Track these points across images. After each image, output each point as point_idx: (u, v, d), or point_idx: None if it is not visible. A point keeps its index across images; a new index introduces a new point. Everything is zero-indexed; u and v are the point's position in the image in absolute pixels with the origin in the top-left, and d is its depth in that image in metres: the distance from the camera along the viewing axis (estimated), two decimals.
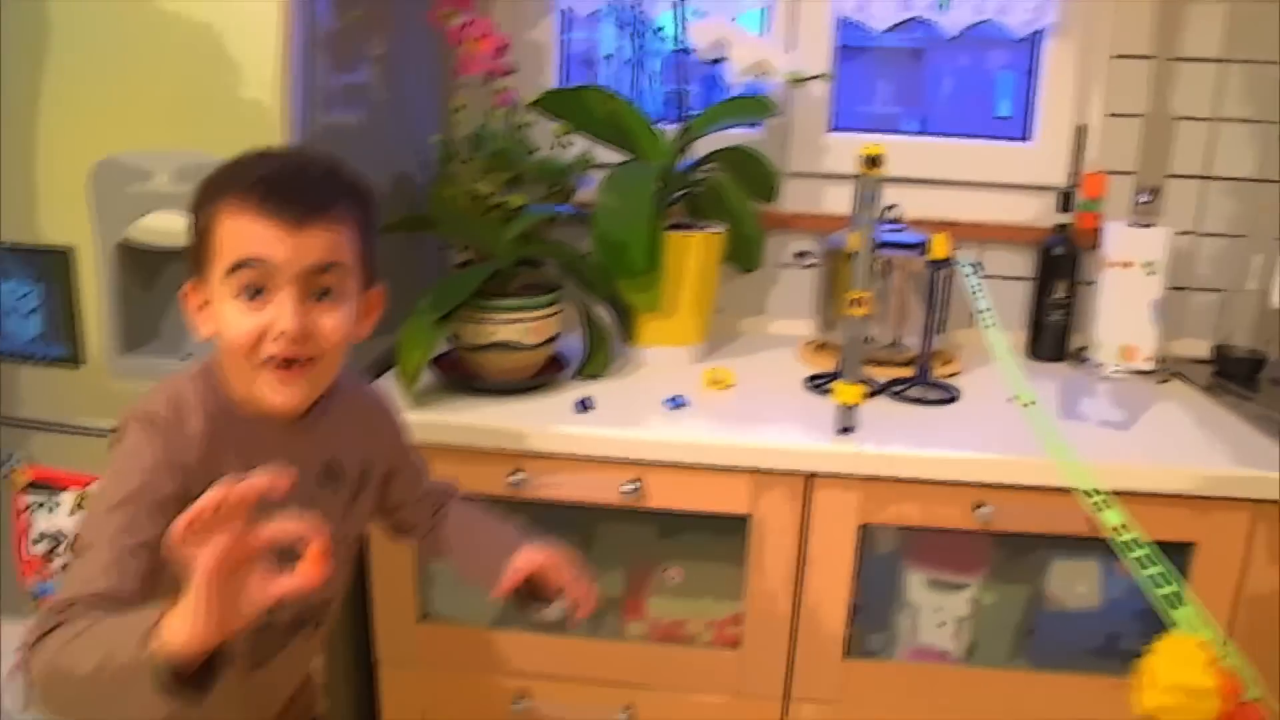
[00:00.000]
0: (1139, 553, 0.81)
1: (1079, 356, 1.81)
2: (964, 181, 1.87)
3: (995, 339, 1.21)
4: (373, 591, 1.52)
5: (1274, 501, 1.34)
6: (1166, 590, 0.78)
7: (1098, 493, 0.89)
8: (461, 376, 1.53)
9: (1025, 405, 1.10)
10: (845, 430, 1.39)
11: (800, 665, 1.46)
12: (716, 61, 1.63)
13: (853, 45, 1.97)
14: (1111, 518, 0.85)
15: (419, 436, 1.40)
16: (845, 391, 1.38)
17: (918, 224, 1.76)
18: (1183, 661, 0.77)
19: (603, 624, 1.56)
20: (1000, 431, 1.44)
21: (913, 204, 1.84)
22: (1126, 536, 0.83)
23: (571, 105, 1.58)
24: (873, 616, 1.52)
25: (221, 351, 0.96)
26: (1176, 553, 1.39)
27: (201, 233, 0.93)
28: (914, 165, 1.85)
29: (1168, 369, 1.77)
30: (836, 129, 1.89)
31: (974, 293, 1.35)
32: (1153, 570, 0.79)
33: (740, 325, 1.96)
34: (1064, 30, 1.79)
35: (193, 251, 0.95)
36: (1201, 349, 1.85)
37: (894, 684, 1.49)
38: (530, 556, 1.05)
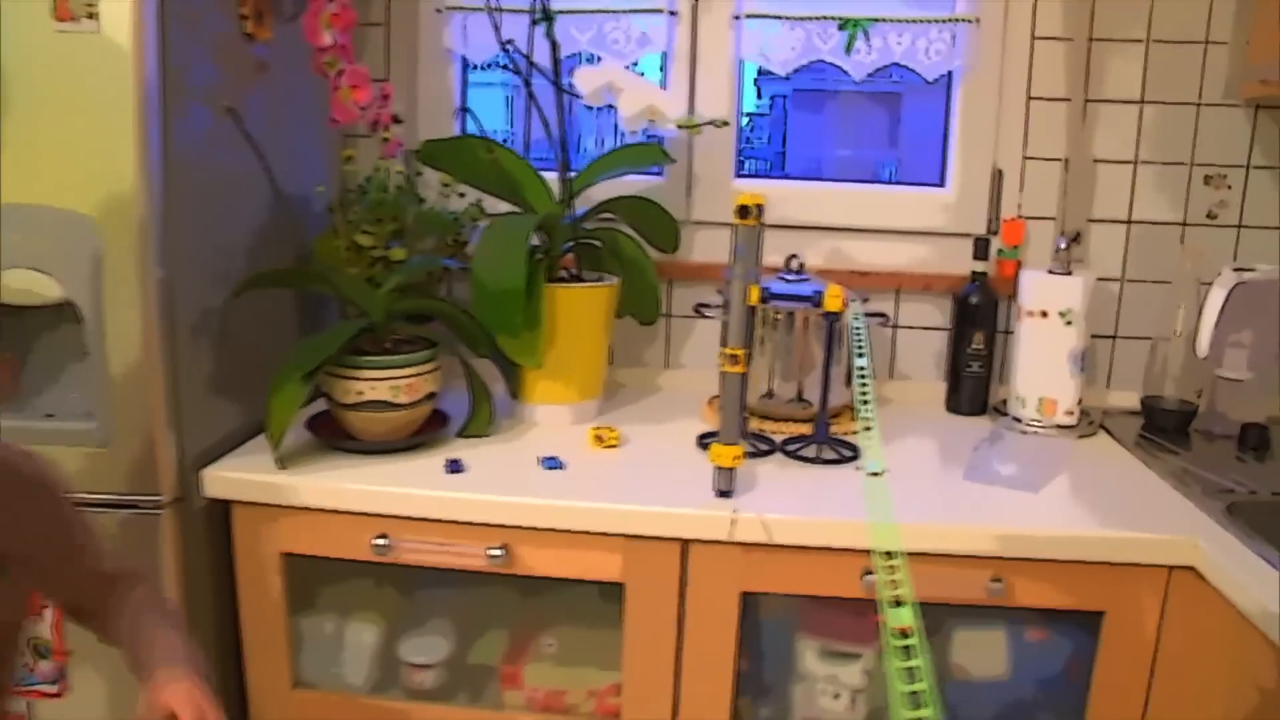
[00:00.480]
0: (907, 663, 0.73)
1: (1000, 410, 1.74)
2: (880, 229, 1.80)
3: (861, 398, 1.14)
4: (245, 658, 1.45)
5: (1188, 567, 1.26)
6: (913, 688, 0.70)
7: (897, 588, 0.81)
8: (336, 436, 1.47)
9: (871, 475, 1.03)
10: (723, 494, 1.33)
11: None
12: (611, 108, 1.58)
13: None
14: (902, 617, 0.77)
15: (284, 499, 1.35)
16: (720, 453, 1.31)
17: (827, 274, 1.71)
18: None
19: (481, 693, 1.49)
20: (893, 493, 1.36)
21: (830, 253, 1.79)
22: (903, 643, 0.74)
23: (452, 155, 1.53)
24: (763, 687, 1.44)
25: None
26: (1086, 621, 1.32)
27: None
28: (831, 213, 1.80)
29: (1093, 422, 1.70)
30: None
31: (857, 346, 1.28)
32: (912, 687, 0.71)
33: (659, 379, 1.89)
34: (976, 73, 1.73)
35: None
36: (1134, 400, 1.77)
37: None
38: (171, 696, 0.95)
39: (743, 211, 1.26)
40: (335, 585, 1.50)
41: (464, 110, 1.61)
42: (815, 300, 1.47)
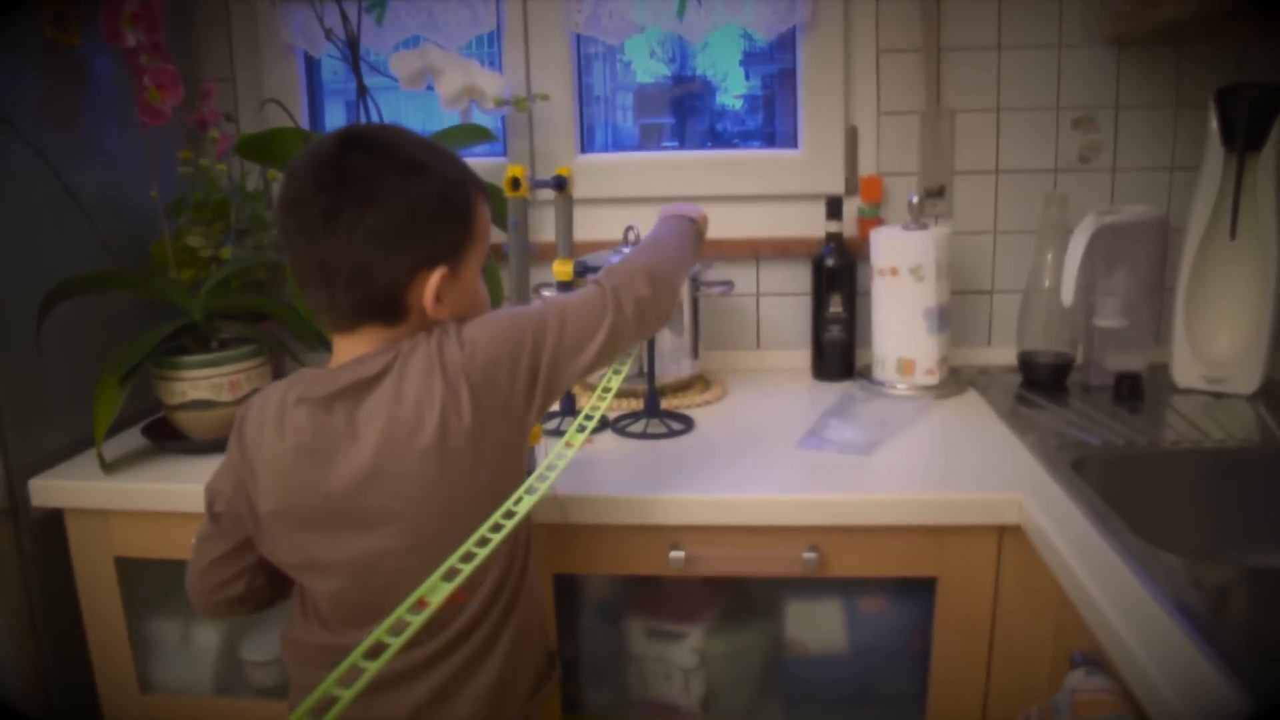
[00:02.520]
0: (391, 639, 0.69)
1: (864, 374, 1.68)
2: (737, 196, 1.76)
3: (614, 370, 1.11)
4: (93, 664, 1.46)
5: (1017, 526, 1.20)
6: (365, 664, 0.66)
7: (469, 559, 0.77)
8: (171, 438, 1.47)
9: (566, 445, 1.00)
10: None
11: None
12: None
13: None
14: (439, 589, 0.73)
15: (112, 503, 1.37)
16: None
17: None
18: None
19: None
20: (701, 469, 1.33)
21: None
22: (409, 615, 0.70)
23: (269, 149, 1.51)
24: (595, 670, 1.41)
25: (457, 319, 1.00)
26: (921, 589, 1.27)
27: (471, 219, 0.98)
28: (690, 183, 1.75)
29: (961, 381, 1.64)
30: None
31: None
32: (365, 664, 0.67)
33: None
34: (819, 29, 1.67)
35: (454, 238, 0.97)
36: (1013, 356, 1.70)
37: None
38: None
39: (513, 184, 1.23)
40: (177, 588, 1.51)
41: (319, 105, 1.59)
42: None
